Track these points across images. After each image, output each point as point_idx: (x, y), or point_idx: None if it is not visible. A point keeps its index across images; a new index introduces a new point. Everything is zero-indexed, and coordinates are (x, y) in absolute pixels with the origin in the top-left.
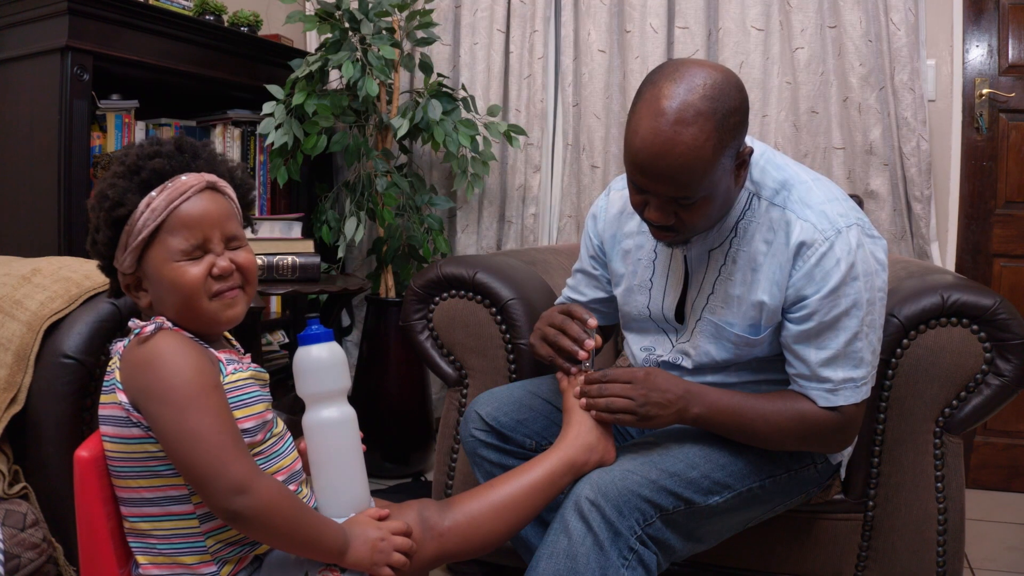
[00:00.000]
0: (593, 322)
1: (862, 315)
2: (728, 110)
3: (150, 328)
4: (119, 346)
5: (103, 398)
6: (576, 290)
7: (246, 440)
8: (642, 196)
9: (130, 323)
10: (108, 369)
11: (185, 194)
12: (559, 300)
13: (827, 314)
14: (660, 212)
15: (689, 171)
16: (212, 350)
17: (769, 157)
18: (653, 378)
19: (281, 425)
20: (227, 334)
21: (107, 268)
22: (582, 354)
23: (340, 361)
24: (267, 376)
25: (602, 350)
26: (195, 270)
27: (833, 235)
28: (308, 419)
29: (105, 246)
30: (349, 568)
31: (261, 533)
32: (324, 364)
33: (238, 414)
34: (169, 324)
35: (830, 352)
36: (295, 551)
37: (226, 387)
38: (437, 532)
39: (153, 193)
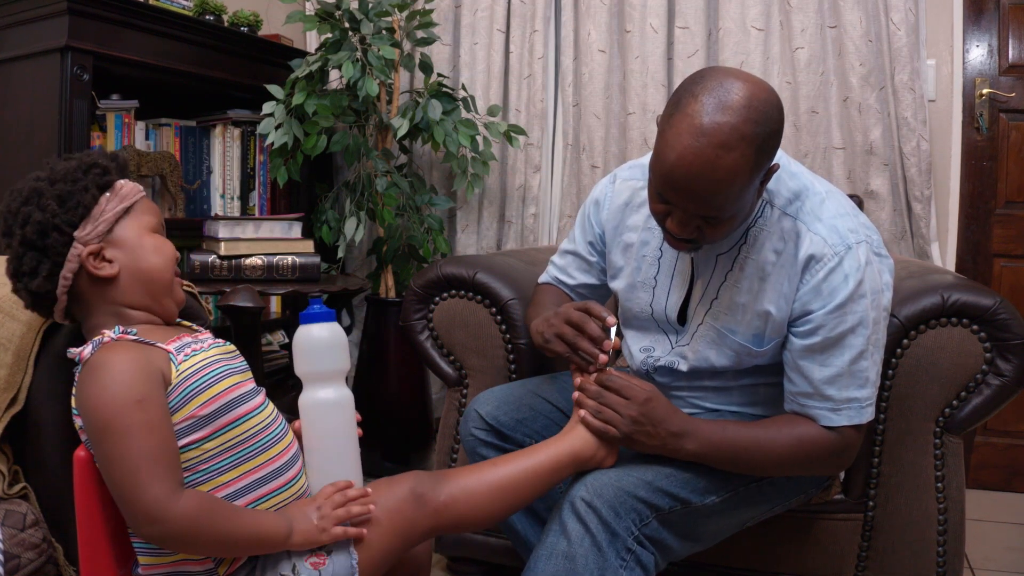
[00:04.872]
0: (612, 320)
1: (868, 334)
2: (769, 133)
3: (88, 350)
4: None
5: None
6: (565, 272)
7: (234, 412)
8: (666, 207)
9: (68, 353)
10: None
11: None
12: (543, 279)
13: (832, 330)
14: (683, 227)
15: (725, 194)
16: (161, 345)
17: (784, 164)
18: (652, 405)
19: (272, 408)
20: (184, 321)
21: (47, 247)
22: (603, 358)
23: (340, 342)
24: (232, 348)
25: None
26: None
27: (843, 250)
28: (303, 399)
29: (74, 213)
30: (300, 549)
31: (189, 551)
32: (323, 343)
33: (204, 396)
34: (111, 335)
35: (834, 370)
36: (237, 554)
37: (183, 376)
38: (432, 507)
39: (122, 181)
